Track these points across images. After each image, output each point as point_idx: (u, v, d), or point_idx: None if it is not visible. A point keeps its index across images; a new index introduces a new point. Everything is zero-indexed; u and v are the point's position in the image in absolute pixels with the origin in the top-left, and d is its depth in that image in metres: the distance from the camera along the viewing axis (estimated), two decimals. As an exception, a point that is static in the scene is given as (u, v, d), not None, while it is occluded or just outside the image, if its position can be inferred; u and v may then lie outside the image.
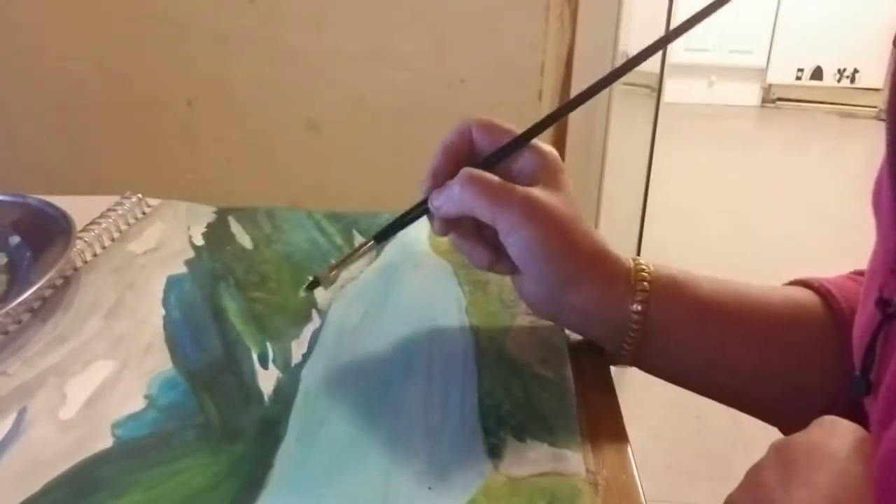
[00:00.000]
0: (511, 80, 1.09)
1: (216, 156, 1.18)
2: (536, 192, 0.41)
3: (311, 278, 0.47)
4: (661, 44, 0.40)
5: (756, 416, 0.45)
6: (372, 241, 0.45)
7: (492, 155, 0.43)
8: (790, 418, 0.45)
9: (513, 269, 0.43)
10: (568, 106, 0.43)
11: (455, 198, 0.41)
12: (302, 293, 0.47)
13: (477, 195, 0.40)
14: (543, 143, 0.44)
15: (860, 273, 0.45)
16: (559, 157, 0.44)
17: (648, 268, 0.42)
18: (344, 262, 0.46)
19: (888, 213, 0.34)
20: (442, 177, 0.43)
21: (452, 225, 0.43)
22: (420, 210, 0.44)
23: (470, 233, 0.43)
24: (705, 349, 0.42)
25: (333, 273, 0.46)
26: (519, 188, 0.40)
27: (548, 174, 0.42)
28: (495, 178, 0.41)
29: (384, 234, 0.45)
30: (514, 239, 0.40)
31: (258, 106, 1.15)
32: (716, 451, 1.54)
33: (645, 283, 0.41)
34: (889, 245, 0.33)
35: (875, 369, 0.33)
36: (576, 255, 0.41)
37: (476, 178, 0.40)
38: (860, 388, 0.34)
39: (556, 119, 0.43)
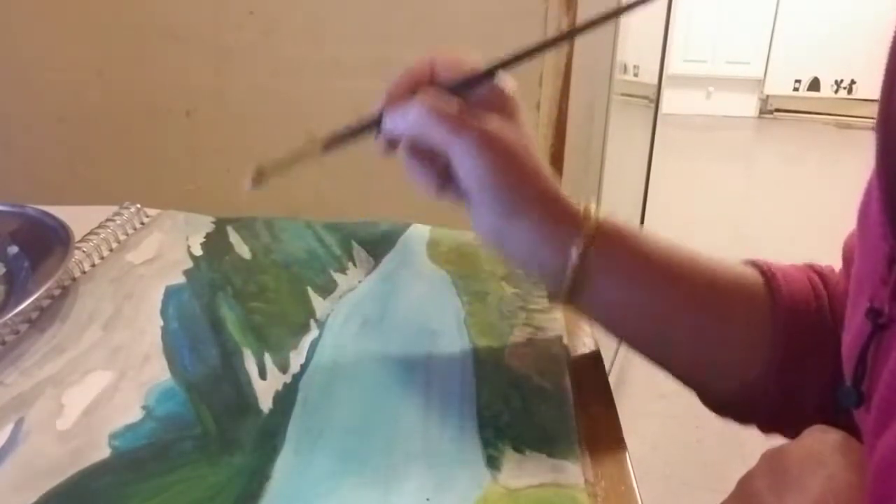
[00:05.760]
0: (509, 91, 1.09)
1: (215, 166, 1.18)
2: (494, 124, 0.41)
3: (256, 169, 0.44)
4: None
5: (677, 378, 0.45)
6: (320, 150, 0.44)
7: (453, 86, 0.42)
8: (707, 388, 0.46)
9: (460, 197, 0.43)
10: (524, 54, 0.42)
11: (410, 119, 0.40)
12: (248, 187, 0.44)
13: (433, 120, 0.40)
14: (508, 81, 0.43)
15: (810, 266, 0.46)
16: (517, 96, 0.43)
17: (597, 213, 0.42)
18: (289, 163, 0.44)
19: (877, 224, 0.34)
20: (397, 100, 0.42)
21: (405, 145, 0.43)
22: (370, 125, 0.43)
23: (421, 153, 0.42)
24: (637, 300, 0.42)
25: (276, 170, 0.43)
26: (476, 121, 0.40)
27: (506, 108, 0.42)
28: (454, 107, 0.40)
29: (332, 144, 0.44)
30: (467, 168, 0.40)
31: (257, 117, 1.15)
32: (714, 462, 1.54)
33: (591, 225, 0.41)
34: (878, 256, 0.33)
35: (867, 380, 0.33)
36: (527, 188, 0.41)
37: (434, 104, 0.40)
38: (851, 399, 0.34)
39: (520, 59, 0.42)
